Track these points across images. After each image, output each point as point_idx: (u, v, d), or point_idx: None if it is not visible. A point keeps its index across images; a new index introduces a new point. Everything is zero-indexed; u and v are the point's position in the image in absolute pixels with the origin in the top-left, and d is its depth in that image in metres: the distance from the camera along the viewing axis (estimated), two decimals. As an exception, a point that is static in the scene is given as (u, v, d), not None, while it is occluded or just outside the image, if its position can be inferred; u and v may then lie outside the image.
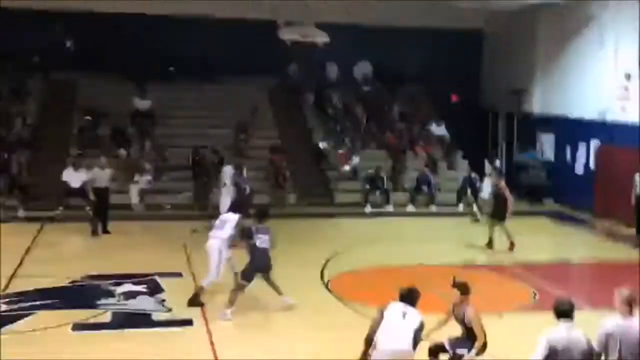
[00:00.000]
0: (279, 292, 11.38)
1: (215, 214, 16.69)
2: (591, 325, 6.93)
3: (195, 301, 11.56)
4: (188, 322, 10.91)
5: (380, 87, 24.83)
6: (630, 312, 6.95)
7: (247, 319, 11.17)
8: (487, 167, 20.95)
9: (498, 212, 16.04)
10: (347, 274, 13.92)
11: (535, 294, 12.86)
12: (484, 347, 8.28)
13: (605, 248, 17.27)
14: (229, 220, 11.79)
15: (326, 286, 12.99)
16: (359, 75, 25.37)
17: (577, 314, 6.82)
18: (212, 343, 10.11)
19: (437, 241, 17.36)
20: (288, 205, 20.18)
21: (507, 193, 16.12)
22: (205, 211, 18.36)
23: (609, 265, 15.55)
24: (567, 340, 6.61)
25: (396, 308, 7.81)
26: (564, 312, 6.75)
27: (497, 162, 21.46)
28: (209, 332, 10.55)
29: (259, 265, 11.13)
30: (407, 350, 7.58)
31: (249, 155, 21.09)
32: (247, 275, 11.10)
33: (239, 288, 11.13)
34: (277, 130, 23.15)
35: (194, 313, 11.26)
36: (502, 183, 16.44)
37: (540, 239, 17.63)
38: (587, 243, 18.11)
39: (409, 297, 7.91)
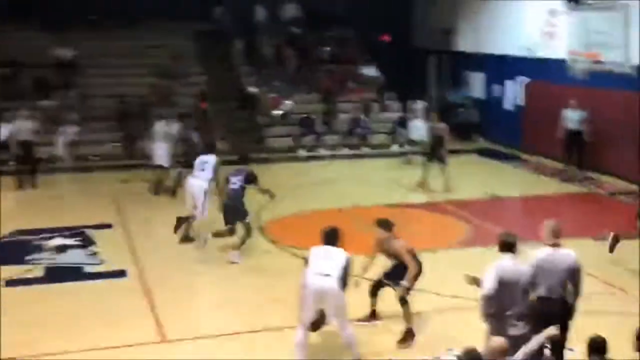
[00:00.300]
0: (237, 244, 11.27)
1: (144, 163, 16.47)
2: (523, 257, 7.06)
3: (186, 238, 11.97)
4: (121, 274, 10.76)
5: (310, 29, 24.48)
6: (558, 244, 7.13)
7: (183, 268, 11.07)
8: (415, 107, 21.03)
9: (437, 154, 16.10)
10: (281, 219, 13.88)
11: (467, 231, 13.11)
12: (418, 274, 8.39)
13: (534, 182, 17.65)
14: (209, 162, 12.04)
15: (261, 232, 12.92)
16: (287, 18, 24.93)
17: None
18: (147, 292, 10.00)
19: (371, 183, 17.46)
20: (218, 152, 19.83)
21: (446, 134, 16.15)
22: (133, 160, 18.02)
23: (537, 199, 15.92)
24: (512, 272, 6.79)
25: (319, 250, 7.78)
26: (508, 245, 6.91)
27: (424, 103, 21.47)
28: (143, 282, 10.42)
29: (226, 205, 11.27)
30: (332, 288, 7.49)
31: (175, 103, 20.57)
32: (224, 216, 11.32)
33: (226, 232, 11.30)
34: (204, 76, 22.67)
35: (127, 264, 11.13)
36: (442, 124, 16.39)
37: (471, 177, 17.87)
38: (517, 178, 18.46)
39: (331, 237, 7.85)
